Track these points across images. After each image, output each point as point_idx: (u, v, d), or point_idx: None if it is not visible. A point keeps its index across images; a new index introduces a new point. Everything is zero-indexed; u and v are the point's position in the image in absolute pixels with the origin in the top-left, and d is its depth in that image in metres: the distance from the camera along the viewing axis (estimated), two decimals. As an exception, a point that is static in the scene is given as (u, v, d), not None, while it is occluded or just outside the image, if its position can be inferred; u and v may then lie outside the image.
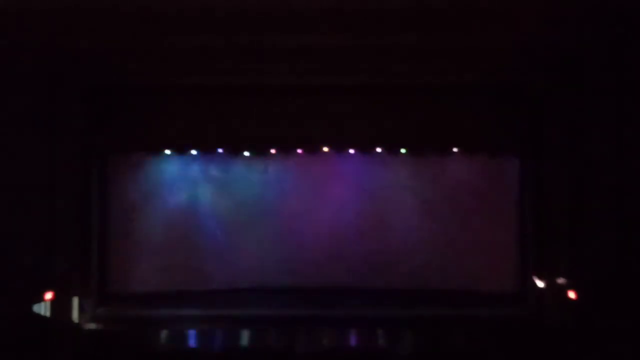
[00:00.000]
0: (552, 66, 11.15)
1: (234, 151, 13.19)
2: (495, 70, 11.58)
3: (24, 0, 8.23)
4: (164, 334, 10.89)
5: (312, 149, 13.07)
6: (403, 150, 13.09)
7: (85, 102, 12.09)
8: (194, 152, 13.15)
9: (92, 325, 11.69)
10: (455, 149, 13.00)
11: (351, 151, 13.29)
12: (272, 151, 13.22)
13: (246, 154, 13.29)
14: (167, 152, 13.11)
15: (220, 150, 13.17)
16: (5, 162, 9.57)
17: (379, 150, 13.08)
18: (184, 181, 13.76)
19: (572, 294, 10.63)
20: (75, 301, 11.66)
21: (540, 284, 12.08)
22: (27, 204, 10.20)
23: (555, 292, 11.42)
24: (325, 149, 13.10)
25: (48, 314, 10.93)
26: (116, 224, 13.07)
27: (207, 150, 13.19)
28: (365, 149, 13.15)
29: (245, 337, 10.90)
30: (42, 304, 10.78)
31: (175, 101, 12.54)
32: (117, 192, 13.13)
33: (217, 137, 12.74)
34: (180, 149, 13.04)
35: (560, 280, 11.19)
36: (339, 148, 13.11)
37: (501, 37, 9.70)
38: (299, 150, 13.20)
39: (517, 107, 12.55)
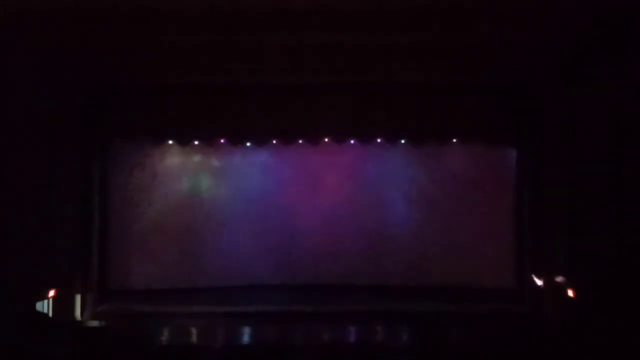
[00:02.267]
0: (552, 65, 11.13)
1: (235, 142, 13.23)
2: (494, 69, 11.55)
3: (23, 0, 8.24)
4: (164, 330, 10.93)
5: (313, 139, 13.11)
6: (403, 141, 13.20)
7: (85, 100, 12.13)
8: (196, 142, 13.25)
9: (93, 322, 11.78)
10: (454, 140, 13.08)
11: (351, 142, 13.34)
12: (274, 142, 13.28)
13: (247, 144, 13.35)
14: (170, 142, 13.19)
15: (222, 141, 13.23)
16: (7, 161, 9.60)
17: (379, 140, 13.18)
18: (184, 174, 13.77)
19: (570, 292, 10.68)
20: (78, 298, 11.76)
21: (538, 282, 12.12)
22: (28, 202, 10.24)
23: (553, 290, 11.47)
24: (326, 140, 13.16)
25: (51, 311, 11.03)
26: (116, 221, 13.13)
27: (208, 141, 13.24)
28: (365, 139, 13.19)
29: (244, 333, 10.95)
30: (45, 301, 10.87)
31: (175, 99, 12.56)
32: (116, 187, 13.17)
33: (218, 128, 12.80)
34: (182, 141, 13.10)
35: (559, 279, 11.23)
36: (339, 139, 13.16)
37: (501, 37, 9.68)
38: (300, 141, 13.24)
39: (516, 102, 12.56)
